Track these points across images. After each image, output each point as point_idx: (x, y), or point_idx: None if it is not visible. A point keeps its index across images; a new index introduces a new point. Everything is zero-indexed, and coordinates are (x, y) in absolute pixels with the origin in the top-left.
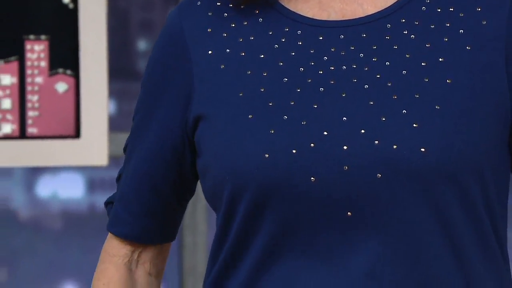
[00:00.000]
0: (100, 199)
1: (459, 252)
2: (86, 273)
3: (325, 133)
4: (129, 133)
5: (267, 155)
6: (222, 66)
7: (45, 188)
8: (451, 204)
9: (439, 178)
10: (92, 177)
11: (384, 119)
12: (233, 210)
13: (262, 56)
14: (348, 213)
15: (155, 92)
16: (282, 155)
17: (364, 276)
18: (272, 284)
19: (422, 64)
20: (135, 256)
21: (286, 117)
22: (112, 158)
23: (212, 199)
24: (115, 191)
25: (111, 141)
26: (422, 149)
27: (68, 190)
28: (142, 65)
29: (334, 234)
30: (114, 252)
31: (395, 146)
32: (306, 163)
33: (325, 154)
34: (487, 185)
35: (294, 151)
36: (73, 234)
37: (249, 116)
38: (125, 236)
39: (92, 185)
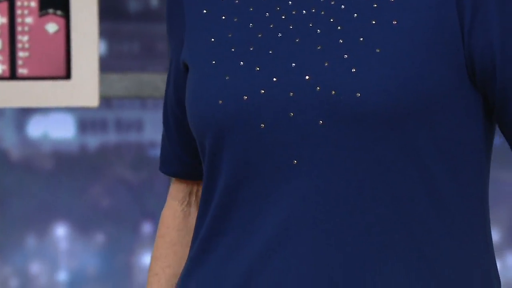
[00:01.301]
0: (91, 140)
1: (399, 200)
2: (77, 214)
3: (275, 79)
4: None
5: (220, 102)
6: (205, 11)
7: (36, 128)
8: (390, 150)
9: (376, 123)
10: (83, 117)
11: (327, 64)
12: (203, 155)
13: (237, 1)
14: (294, 161)
15: (169, 39)
16: (234, 101)
17: (302, 223)
18: (230, 231)
19: (374, 6)
20: (193, 198)
21: (242, 63)
22: (103, 99)
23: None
24: (106, 131)
25: (102, 82)
26: (358, 94)
27: (59, 130)
28: (133, 4)
29: (282, 181)
30: (174, 195)
31: (333, 92)
32: (256, 110)
33: (273, 101)
34: (436, 129)
35: (245, 97)
36: (64, 174)
37: (213, 62)
38: (173, 175)
39: (83, 126)
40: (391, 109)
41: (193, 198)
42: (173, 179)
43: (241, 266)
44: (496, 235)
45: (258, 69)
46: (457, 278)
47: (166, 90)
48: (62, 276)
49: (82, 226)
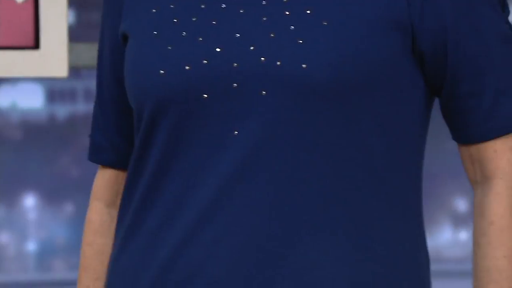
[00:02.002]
0: (60, 110)
1: (338, 172)
2: (46, 184)
3: (218, 49)
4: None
5: (162, 72)
6: None
7: (4, 98)
8: (331, 122)
9: (320, 95)
10: (52, 87)
11: (272, 35)
12: (138, 124)
13: None
14: (235, 132)
15: (105, 9)
16: (176, 71)
17: (237, 195)
18: (163, 203)
19: None
20: (119, 194)
21: (185, 33)
22: (72, 69)
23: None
24: (75, 101)
25: (70, 52)
26: (303, 65)
27: (28, 100)
28: None
29: (221, 152)
30: (100, 195)
31: (279, 63)
32: (199, 80)
33: (217, 71)
34: (377, 105)
35: (187, 67)
36: (33, 144)
37: (154, 33)
38: (104, 162)
39: (52, 96)
40: (335, 81)
41: (119, 192)
42: (100, 172)
43: (173, 237)
44: (463, 205)
45: (201, 39)
46: (389, 253)
47: (99, 65)
48: (31, 246)
49: (51, 196)
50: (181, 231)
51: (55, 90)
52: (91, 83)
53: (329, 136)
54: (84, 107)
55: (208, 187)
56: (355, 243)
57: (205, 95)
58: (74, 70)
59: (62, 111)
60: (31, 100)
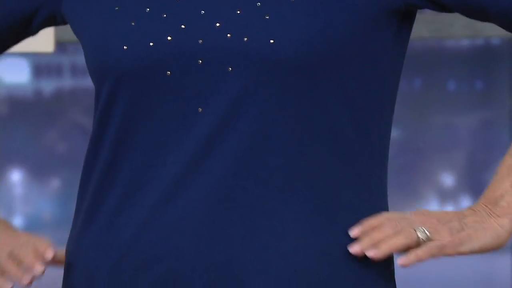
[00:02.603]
0: (46, 85)
1: (303, 145)
2: (32, 159)
3: (183, 26)
4: None
5: (125, 47)
6: None
7: None
8: (297, 98)
9: (287, 71)
10: (38, 62)
11: (239, 12)
12: (98, 97)
13: None
14: (199, 109)
15: None
16: (140, 47)
17: (200, 172)
18: (122, 182)
19: None
20: None
21: (148, 9)
22: (58, 44)
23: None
24: (61, 76)
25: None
26: (271, 41)
27: (14, 75)
28: None
29: (185, 129)
30: None
31: (245, 39)
32: (162, 56)
33: (181, 48)
34: (344, 80)
35: (151, 43)
36: (19, 120)
37: (116, 8)
38: None
39: (38, 71)
40: (302, 57)
41: None
42: None
43: (136, 216)
44: (450, 180)
45: (165, 15)
46: (355, 223)
47: None
48: (17, 221)
49: (37, 171)
50: (144, 209)
51: (41, 65)
52: (78, 58)
53: (295, 111)
54: (71, 83)
55: (171, 165)
56: (321, 214)
57: (168, 72)
58: (60, 45)
59: (48, 86)
60: (17, 75)
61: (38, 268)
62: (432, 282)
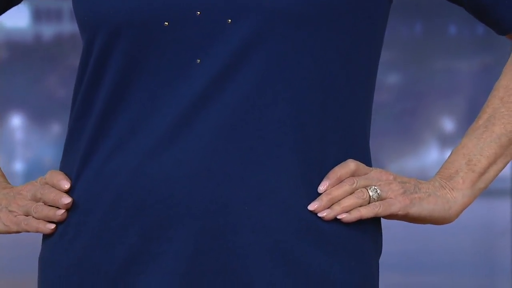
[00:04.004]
0: (46, 30)
1: (296, 96)
2: (32, 104)
3: None
4: None
5: None
6: None
7: None
8: (299, 47)
9: (288, 21)
10: (38, 7)
11: None
12: (90, 48)
13: None
14: (198, 60)
15: None
16: None
17: (197, 121)
18: (116, 131)
19: None
20: None
21: None
22: None
23: (81, 34)
24: (61, 21)
25: None
26: None
27: (14, 20)
28: None
29: (182, 80)
30: None
31: None
32: (161, 7)
33: None
34: (344, 30)
35: None
36: (19, 64)
37: None
38: None
39: (38, 15)
40: (303, 8)
41: None
42: None
43: (128, 163)
44: (450, 125)
45: None
46: (336, 161)
47: None
48: (18, 166)
49: (37, 116)
50: (137, 156)
51: (41, 10)
52: None
53: (292, 63)
54: (71, 27)
55: (167, 114)
56: (312, 165)
57: (166, 23)
58: None
59: (48, 31)
60: (17, 19)
61: (66, 200)
62: (430, 226)
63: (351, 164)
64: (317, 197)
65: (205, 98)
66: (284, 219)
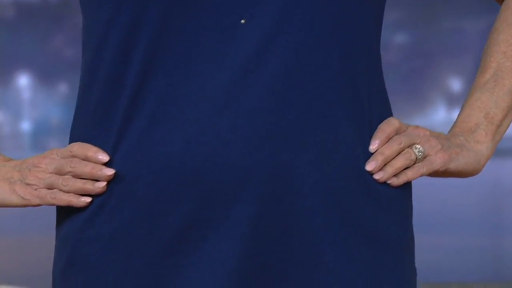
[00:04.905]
0: None
1: (344, 50)
2: (40, 64)
3: None
4: None
5: None
6: None
7: None
8: (343, 7)
9: None
10: None
11: None
12: (119, 7)
13: None
14: (242, 21)
15: None
16: None
17: (247, 85)
18: (155, 98)
19: None
20: None
21: None
22: None
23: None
24: None
25: None
26: None
27: None
28: None
29: (228, 44)
30: None
31: None
32: None
33: None
34: None
35: None
36: (26, 23)
37: None
38: None
39: None
40: None
41: None
42: None
43: (176, 131)
44: (458, 85)
45: None
46: (379, 120)
47: None
48: (25, 125)
49: (45, 75)
50: (187, 123)
51: None
52: None
53: (338, 21)
54: None
55: (215, 78)
56: (362, 124)
57: None
58: None
59: None
60: None
61: (109, 172)
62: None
63: (395, 122)
64: (370, 156)
65: (255, 59)
66: (345, 179)
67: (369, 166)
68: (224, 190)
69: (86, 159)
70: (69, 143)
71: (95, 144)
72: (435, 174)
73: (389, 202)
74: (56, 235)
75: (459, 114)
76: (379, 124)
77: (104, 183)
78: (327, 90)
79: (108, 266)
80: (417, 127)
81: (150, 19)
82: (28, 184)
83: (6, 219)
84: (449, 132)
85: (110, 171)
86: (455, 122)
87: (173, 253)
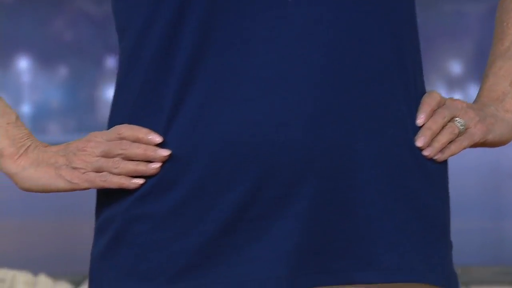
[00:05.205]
0: None
1: (394, 31)
2: (39, 47)
3: None
4: None
5: None
6: None
7: None
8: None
9: None
10: None
11: None
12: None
13: None
14: None
15: None
16: None
17: (299, 62)
18: (207, 77)
19: None
20: None
21: None
22: None
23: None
24: None
25: None
26: None
27: None
28: None
29: (278, 22)
30: None
31: None
32: None
33: None
34: None
35: None
36: (26, 6)
37: None
38: None
39: None
40: None
41: None
42: None
43: (231, 111)
44: (458, 67)
45: None
46: (422, 92)
47: None
48: (25, 108)
49: (45, 59)
50: (242, 102)
51: None
52: None
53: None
54: None
55: (268, 57)
56: (411, 99)
57: None
58: None
59: None
60: None
61: (165, 152)
62: None
63: (437, 95)
64: (417, 130)
65: (306, 37)
66: (399, 152)
67: (419, 142)
68: (283, 169)
69: (137, 140)
70: (109, 127)
71: (143, 126)
72: (474, 145)
73: (434, 176)
74: (96, 218)
75: (483, 82)
76: (422, 96)
77: (159, 164)
78: (379, 64)
79: (160, 244)
80: (452, 99)
81: (196, 9)
82: (75, 168)
83: (6, 202)
84: (476, 102)
85: (166, 152)
86: (481, 91)
87: (230, 232)
